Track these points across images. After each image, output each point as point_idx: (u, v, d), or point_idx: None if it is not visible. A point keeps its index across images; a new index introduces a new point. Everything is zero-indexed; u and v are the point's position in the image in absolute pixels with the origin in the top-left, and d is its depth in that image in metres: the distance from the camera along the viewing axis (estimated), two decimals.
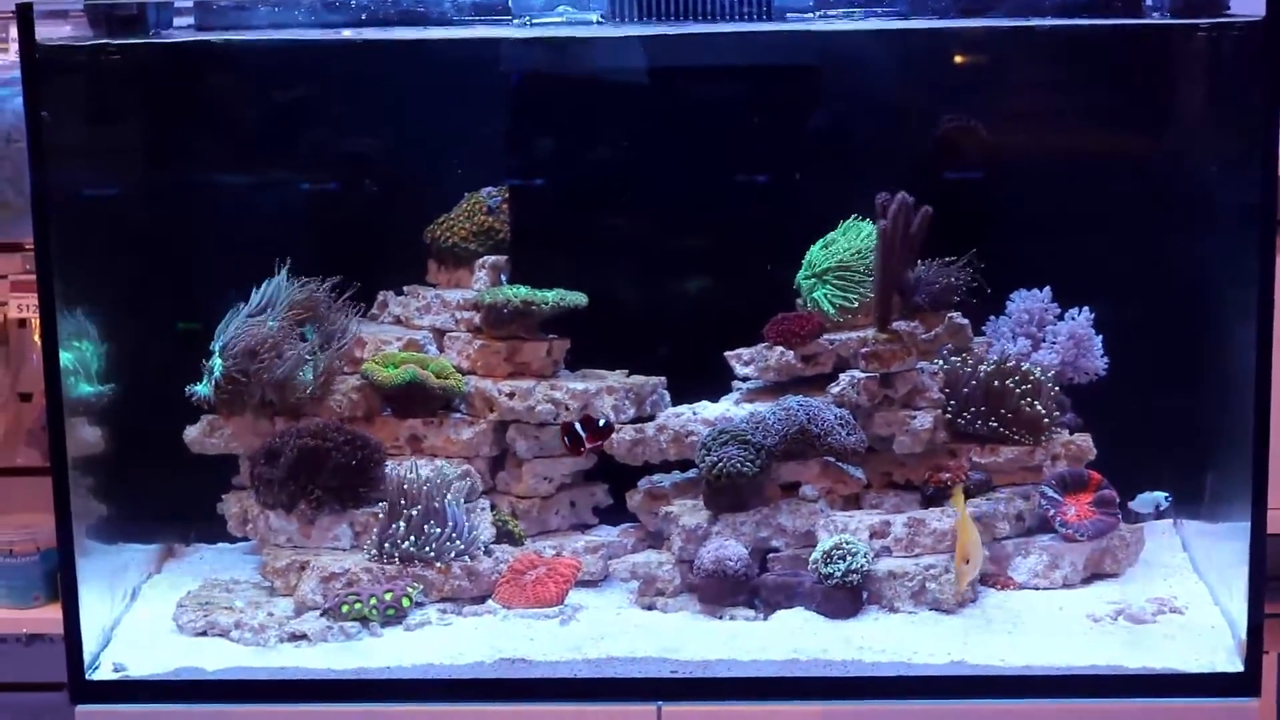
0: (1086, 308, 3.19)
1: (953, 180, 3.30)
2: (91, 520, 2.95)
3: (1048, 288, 3.23)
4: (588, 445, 3.08)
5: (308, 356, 3.12)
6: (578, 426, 3.07)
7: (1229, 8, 2.83)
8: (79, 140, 2.99)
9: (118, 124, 3.20)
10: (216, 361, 3.10)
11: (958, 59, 3.30)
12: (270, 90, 3.29)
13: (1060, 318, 3.21)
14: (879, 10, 2.97)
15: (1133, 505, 3.09)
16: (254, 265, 3.17)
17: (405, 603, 2.92)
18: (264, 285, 3.16)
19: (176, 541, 3.34)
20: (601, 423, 3.09)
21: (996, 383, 3.08)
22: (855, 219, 3.21)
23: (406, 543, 2.97)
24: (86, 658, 2.83)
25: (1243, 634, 2.75)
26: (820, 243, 3.21)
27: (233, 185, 3.35)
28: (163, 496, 3.24)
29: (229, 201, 3.33)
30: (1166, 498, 3.09)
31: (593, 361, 3.28)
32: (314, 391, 3.13)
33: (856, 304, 3.17)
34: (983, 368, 3.11)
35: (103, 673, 2.83)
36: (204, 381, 3.11)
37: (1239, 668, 2.75)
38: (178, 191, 3.30)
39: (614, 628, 2.93)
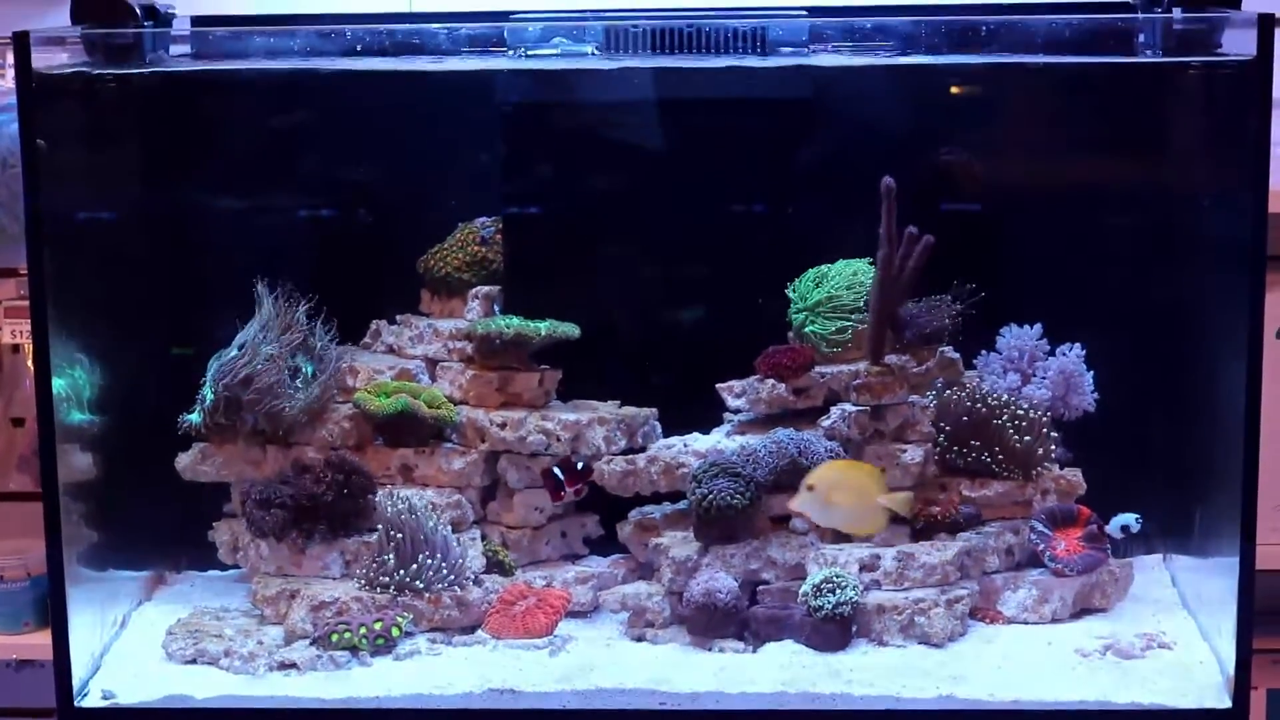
0: (1078, 345, 3.20)
1: (946, 214, 3.31)
2: (82, 547, 2.94)
3: (1038, 325, 3.23)
4: (567, 489, 3.09)
5: (299, 384, 3.12)
6: (556, 471, 3.08)
7: (1220, 46, 2.84)
8: (74, 167, 2.99)
9: (113, 151, 3.21)
10: (208, 390, 3.11)
11: (951, 94, 3.31)
12: (265, 119, 3.29)
13: (1050, 354, 3.22)
14: (872, 46, 2.98)
15: (1107, 529, 3.09)
16: (248, 293, 3.17)
17: (395, 632, 2.92)
18: (256, 313, 3.16)
19: (167, 569, 3.33)
20: (580, 465, 3.10)
21: (988, 417, 3.08)
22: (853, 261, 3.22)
23: (397, 573, 2.97)
24: (75, 684, 2.83)
25: (1231, 670, 2.75)
26: (811, 275, 3.22)
27: (227, 213, 3.35)
28: (154, 524, 3.24)
29: (223, 230, 3.34)
30: (1137, 519, 3.09)
31: (585, 392, 3.28)
32: (304, 417, 3.13)
33: (849, 335, 3.17)
34: (974, 402, 3.11)
35: (91, 700, 2.83)
36: (195, 410, 3.12)
37: (1227, 704, 2.75)
38: (172, 219, 3.31)
39: (603, 659, 2.93)
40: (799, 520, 3.08)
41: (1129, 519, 3.09)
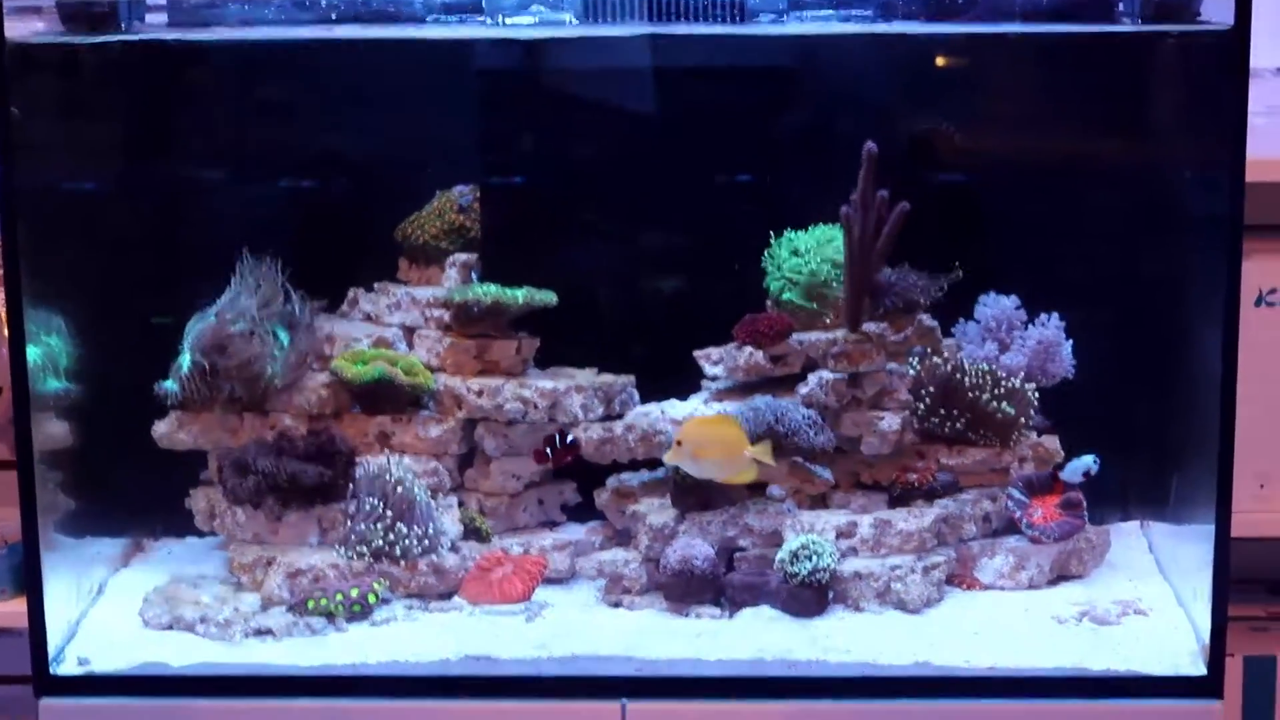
0: (1055, 314, 3.19)
1: (925, 183, 3.31)
2: (58, 514, 2.94)
3: (1014, 296, 3.23)
4: (552, 463, 3.11)
5: (275, 352, 3.12)
6: (557, 438, 3.09)
7: (1199, 15, 2.84)
8: (49, 136, 2.99)
9: (88, 120, 3.20)
10: (185, 358, 3.10)
11: (930, 63, 3.30)
12: (242, 88, 3.28)
13: (1028, 324, 3.22)
14: (851, 14, 2.98)
15: (1062, 475, 3.09)
16: (225, 262, 3.15)
17: (371, 599, 2.92)
18: (233, 281, 3.15)
19: (144, 536, 3.33)
20: (570, 440, 3.10)
21: (966, 386, 3.09)
22: (827, 227, 3.21)
23: (374, 539, 2.97)
24: (51, 651, 2.82)
25: (1206, 637, 2.76)
26: (787, 241, 3.21)
27: (204, 182, 3.34)
28: (131, 491, 3.24)
29: (200, 198, 3.33)
30: (1095, 460, 3.09)
31: (562, 360, 3.28)
32: (281, 384, 3.13)
33: (830, 301, 3.17)
34: (951, 369, 3.11)
35: (67, 667, 2.82)
36: (171, 378, 3.11)
37: (1202, 670, 2.76)
38: (148, 188, 3.30)
39: (580, 625, 2.93)
40: (776, 488, 3.09)
41: (1086, 461, 3.08)
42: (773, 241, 3.21)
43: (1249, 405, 2.73)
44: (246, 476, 3.04)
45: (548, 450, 3.11)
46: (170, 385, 3.13)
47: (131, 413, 3.18)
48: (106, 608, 3.04)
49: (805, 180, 3.26)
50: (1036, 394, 3.12)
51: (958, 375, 3.10)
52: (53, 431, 2.96)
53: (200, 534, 3.24)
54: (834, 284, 3.17)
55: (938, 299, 3.19)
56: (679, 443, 2.96)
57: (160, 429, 3.17)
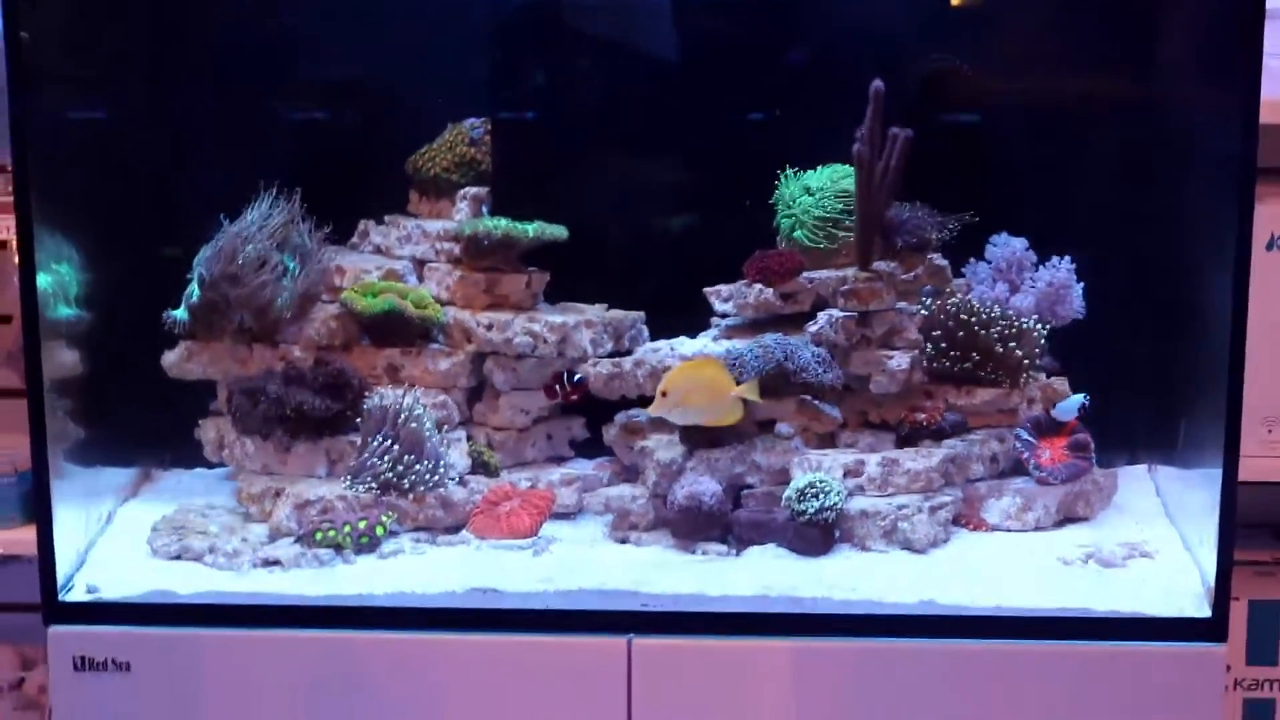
0: (1067, 258, 3.18)
1: (936, 122, 3.30)
2: (68, 443, 2.94)
3: (1023, 239, 3.22)
4: (561, 399, 3.12)
5: (284, 282, 3.12)
6: (565, 377, 3.10)
7: None
8: (59, 62, 2.97)
9: (99, 47, 3.18)
10: (194, 287, 3.10)
11: (943, 1, 3.29)
12: (255, 16, 3.27)
13: (1038, 265, 3.21)
14: None
15: (1054, 413, 3.09)
16: (235, 191, 3.15)
17: (379, 531, 2.93)
18: (245, 211, 3.14)
19: (153, 466, 3.34)
20: (578, 379, 3.11)
21: (975, 326, 3.08)
22: (837, 166, 3.20)
23: (382, 472, 2.98)
24: (60, 579, 2.83)
25: (1211, 580, 2.76)
26: (798, 180, 3.20)
27: (216, 111, 3.33)
28: (140, 421, 3.24)
29: (212, 127, 3.32)
30: (1085, 398, 3.09)
31: (572, 295, 3.29)
32: (289, 314, 3.12)
33: (839, 242, 3.17)
34: (962, 310, 3.11)
35: (76, 594, 2.83)
36: (181, 307, 3.11)
37: (1207, 613, 2.76)
38: (159, 116, 3.29)
39: (586, 560, 2.94)
40: (784, 425, 3.09)
41: (1078, 400, 3.07)
42: (781, 179, 3.20)
43: (1257, 349, 2.72)
44: (256, 405, 3.05)
45: (556, 387, 3.11)
46: (179, 314, 3.13)
47: (142, 342, 3.18)
48: (115, 537, 3.06)
49: (818, 116, 3.24)
50: (1045, 335, 3.12)
51: (967, 315, 3.09)
52: (62, 360, 2.95)
53: (209, 464, 3.26)
54: (845, 222, 3.16)
55: (949, 239, 3.19)
56: (664, 393, 2.96)
57: (170, 358, 3.17)
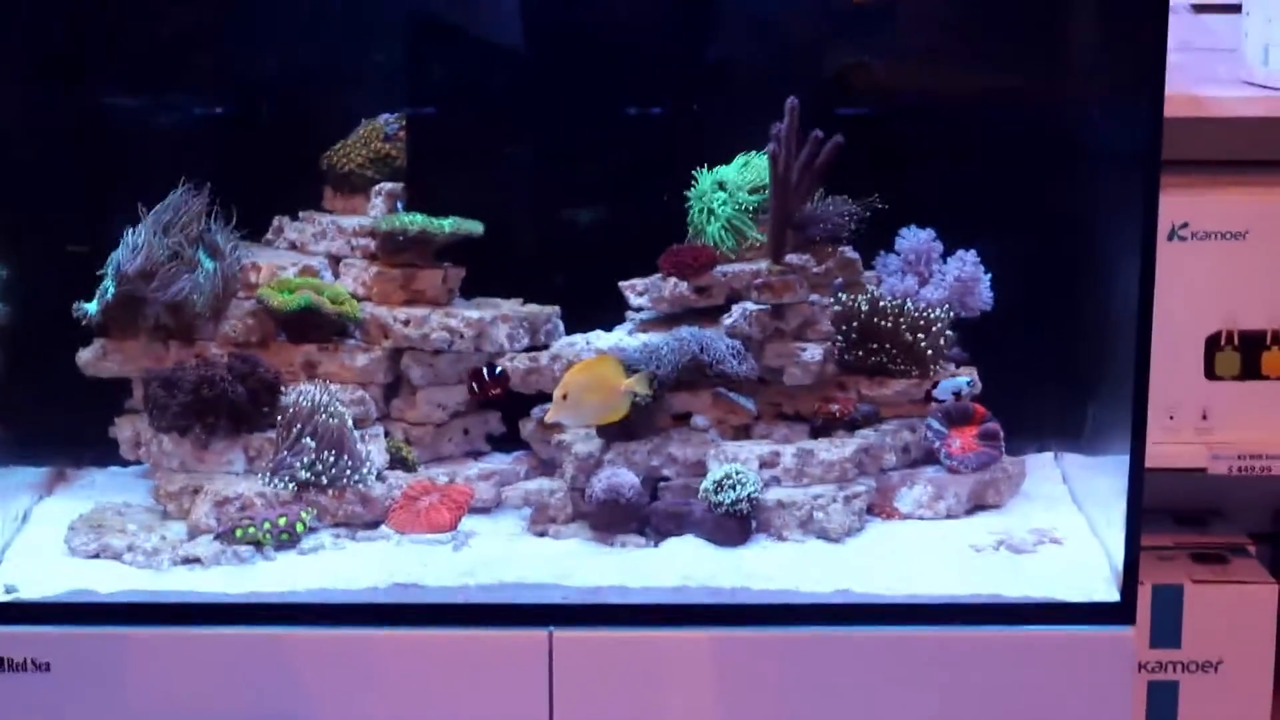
0: (973, 250, 3.23)
1: (847, 116, 3.34)
2: None
3: (930, 229, 3.26)
4: (481, 395, 3.14)
5: (199, 279, 3.11)
6: (484, 371, 3.12)
7: None
8: None
9: (9, 39, 3.16)
10: (109, 283, 3.09)
11: None
12: (166, 11, 3.26)
13: (945, 257, 3.26)
14: None
15: (935, 393, 3.14)
16: (148, 187, 3.13)
17: (299, 527, 2.94)
18: (157, 207, 3.13)
19: (68, 465, 3.32)
20: (498, 371, 3.13)
21: (883, 319, 3.13)
22: (751, 154, 3.23)
23: (300, 468, 2.98)
24: None
25: (1119, 565, 2.82)
26: (710, 175, 3.23)
27: (129, 106, 3.32)
28: (54, 419, 3.21)
29: (125, 122, 3.31)
30: (969, 382, 3.14)
31: (488, 290, 3.29)
32: (203, 310, 3.12)
33: (751, 237, 3.20)
34: (869, 305, 3.15)
35: None
36: (94, 301, 3.09)
37: (1115, 597, 2.81)
38: (71, 111, 3.27)
39: (506, 554, 2.96)
40: (700, 417, 3.12)
41: (960, 381, 3.13)
42: (697, 174, 3.22)
43: (1159, 338, 2.76)
44: (172, 396, 3.03)
45: (474, 383, 3.13)
46: (90, 307, 3.11)
47: (55, 339, 3.16)
48: (32, 536, 3.04)
49: (731, 108, 3.27)
50: (950, 323, 3.16)
51: (874, 312, 3.13)
52: None
53: (125, 463, 3.24)
54: (757, 215, 3.19)
55: (860, 231, 3.23)
56: (563, 396, 2.97)
57: (85, 356, 3.16)
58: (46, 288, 3.16)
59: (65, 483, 3.29)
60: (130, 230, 3.09)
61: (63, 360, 3.17)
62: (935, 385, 3.14)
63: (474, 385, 3.14)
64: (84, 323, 3.12)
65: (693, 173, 3.22)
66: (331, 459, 2.99)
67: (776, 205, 3.14)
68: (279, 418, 3.04)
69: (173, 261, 3.08)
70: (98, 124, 3.30)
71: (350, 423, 3.04)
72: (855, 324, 3.14)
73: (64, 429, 3.26)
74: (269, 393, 3.07)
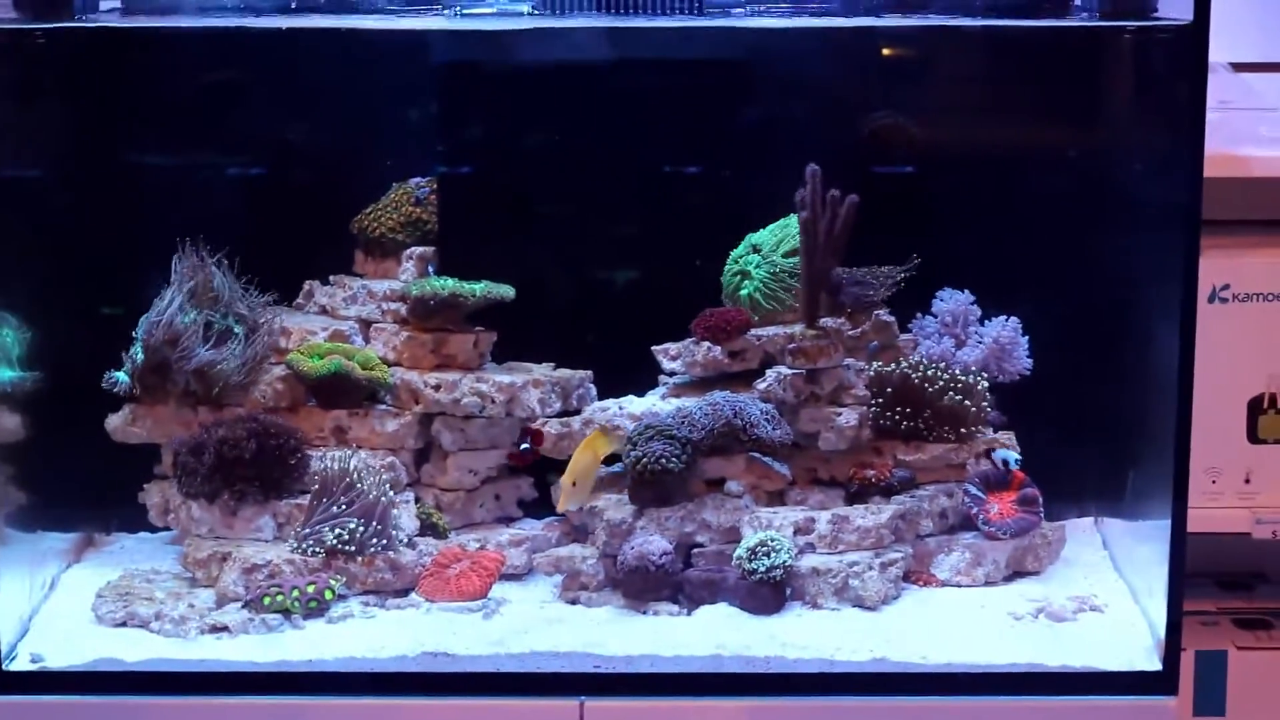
0: (1015, 317, 3.20)
1: (882, 177, 3.32)
2: (11, 508, 2.92)
3: (967, 291, 3.23)
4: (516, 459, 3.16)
5: (231, 347, 3.10)
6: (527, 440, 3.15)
7: (1156, 10, 2.85)
8: (2, 122, 2.96)
9: (41, 106, 3.17)
10: (138, 349, 3.08)
11: (888, 56, 3.31)
12: (198, 77, 3.26)
13: (983, 320, 3.23)
14: (809, 7, 2.98)
15: (994, 456, 3.10)
16: (179, 252, 3.13)
17: (328, 595, 2.91)
18: (185, 273, 3.12)
19: (97, 530, 3.31)
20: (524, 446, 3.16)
21: (923, 381, 3.09)
22: (786, 219, 3.21)
23: (330, 535, 2.96)
24: (3, 648, 2.79)
25: (1161, 632, 2.77)
26: (748, 239, 3.22)
27: (159, 171, 3.32)
28: (84, 485, 3.21)
29: (156, 188, 3.31)
30: (1017, 459, 3.10)
31: (520, 354, 3.28)
32: (238, 380, 3.11)
33: (787, 302, 3.17)
34: (908, 366, 3.12)
35: (20, 663, 2.79)
36: (125, 369, 3.09)
37: (1157, 666, 2.77)
38: (103, 176, 3.27)
39: (537, 622, 2.92)
40: (734, 483, 3.08)
41: (1009, 455, 3.09)
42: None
43: (1201, 401, 2.74)
44: (200, 459, 3.01)
45: (521, 448, 3.12)
46: (121, 376, 3.10)
47: (85, 405, 3.15)
48: (59, 603, 3.02)
49: (765, 173, 3.26)
50: (988, 387, 3.13)
51: (911, 374, 3.10)
52: (4, 424, 2.93)
53: (154, 529, 3.23)
54: (792, 279, 3.17)
55: (895, 293, 3.20)
56: (574, 483, 2.98)
57: (114, 422, 3.15)
58: (75, 353, 3.15)
59: (95, 548, 3.28)
60: (157, 298, 3.08)
61: (92, 425, 3.15)
62: (989, 452, 3.09)
63: (519, 451, 3.13)
64: (117, 392, 3.11)
65: (724, 231, 3.20)
66: (361, 526, 2.96)
67: (808, 268, 3.12)
68: (309, 483, 3.02)
69: (202, 328, 3.07)
70: (130, 187, 3.30)
71: (380, 489, 3.01)
72: (891, 388, 3.10)
73: (94, 495, 3.25)
74: (293, 455, 3.04)
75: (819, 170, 3.04)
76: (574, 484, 2.98)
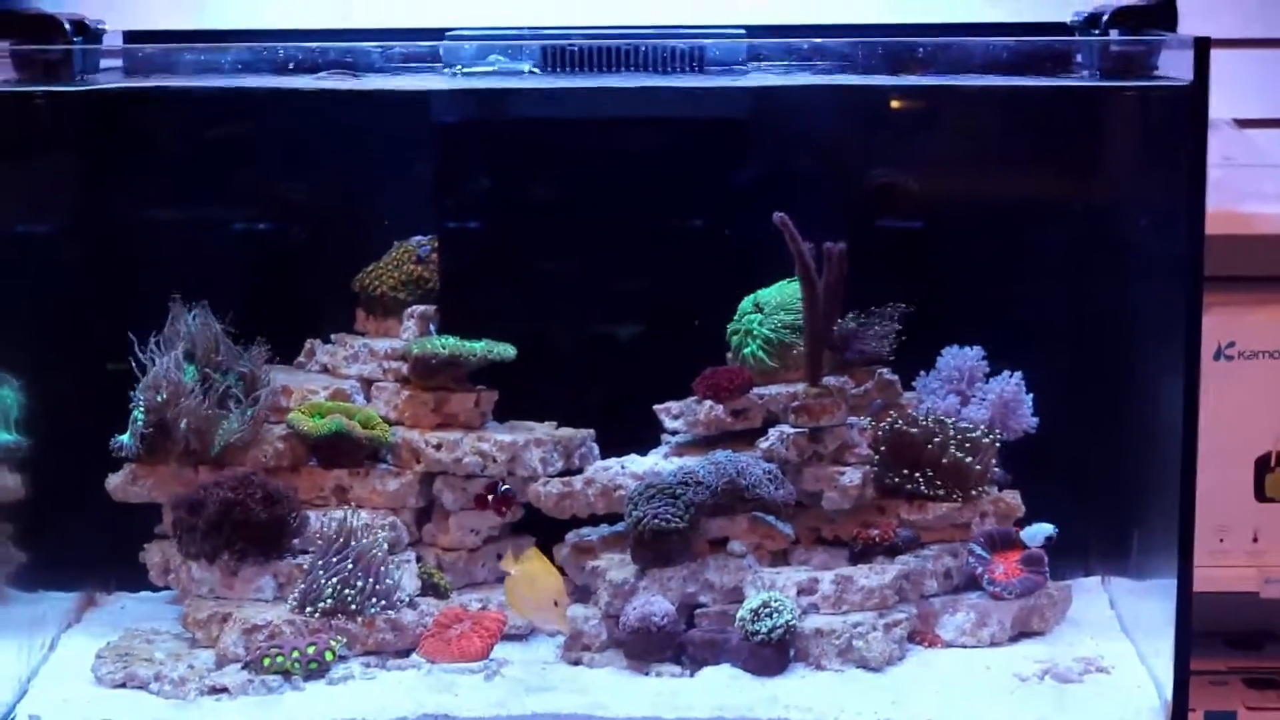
0: (1019, 372, 3.19)
1: (884, 233, 3.32)
2: (10, 567, 2.91)
3: (978, 347, 3.23)
4: (498, 508, 3.13)
5: (231, 407, 3.10)
6: (500, 488, 3.11)
7: (1157, 69, 2.85)
8: (2, 182, 2.97)
9: (43, 168, 3.17)
10: (139, 411, 3.07)
11: (890, 115, 3.31)
12: (198, 136, 3.27)
13: (988, 377, 3.22)
14: (810, 66, 2.98)
15: (1023, 535, 3.08)
16: (179, 313, 3.13)
17: (328, 656, 2.89)
18: (182, 335, 3.13)
19: (97, 590, 3.30)
20: (504, 489, 3.13)
21: (922, 440, 3.08)
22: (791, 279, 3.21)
23: (331, 595, 2.94)
24: (1, 709, 2.78)
25: (1169, 693, 2.75)
26: (751, 298, 3.21)
27: (159, 231, 3.32)
28: (83, 545, 3.20)
29: (155, 247, 3.31)
30: (1054, 531, 3.07)
31: (521, 413, 3.27)
32: (239, 440, 3.10)
33: (788, 361, 3.17)
34: (905, 425, 3.11)
35: None
36: (128, 432, 3.08)
37: None
38: (103, 236, 3.28)
39: (539, 683, 2.90)
40: (737, 543, 3.07)
41: (1047, 528, 3.06)
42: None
43: (1207, 459, 2.73)
44: (198, 517, 3.00)
45: (488, 496, 3.11)
46: (126, 439, 3.10)
47: (84, 465, 3.15)
48: (59, 664, 3.01)
49: (768, 231, 3.24)
50: (991, 446, 3.11)
51: (913, 430, 3.09)
52: (4, 483, 2.92)
53: (154, 589, 3.21)
54: (794, 336, 3.16)
55: (898, 351, 3.19)
56: (556, 603, 2.91)
57: (114, 481, 3.14)
58: (74, 412, 3.15)
59: (95, 608, 3.27)
60: (160, 357, 3.08)
61: (92, 485, 3.15)
62: (1021, 525, 3.09)
63: (485, 498, 3.11)
64: (122, 455, 3.11)
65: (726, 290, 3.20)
66: (362, 586, 2.95)
67: (810, 326, 3.11)
68: (310, 544, 3.01)
69: (199, 390, 3.07)
70: (132, 246, 3.30)
71: (381, 549, 3.00)
72: (895, 446, 3.09)
73: (94, 554, 3.24)
74: (295, 519, 3.03)
75: (785, 217, 3.01)
76: (555, 603, 2.91)
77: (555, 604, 2.90)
